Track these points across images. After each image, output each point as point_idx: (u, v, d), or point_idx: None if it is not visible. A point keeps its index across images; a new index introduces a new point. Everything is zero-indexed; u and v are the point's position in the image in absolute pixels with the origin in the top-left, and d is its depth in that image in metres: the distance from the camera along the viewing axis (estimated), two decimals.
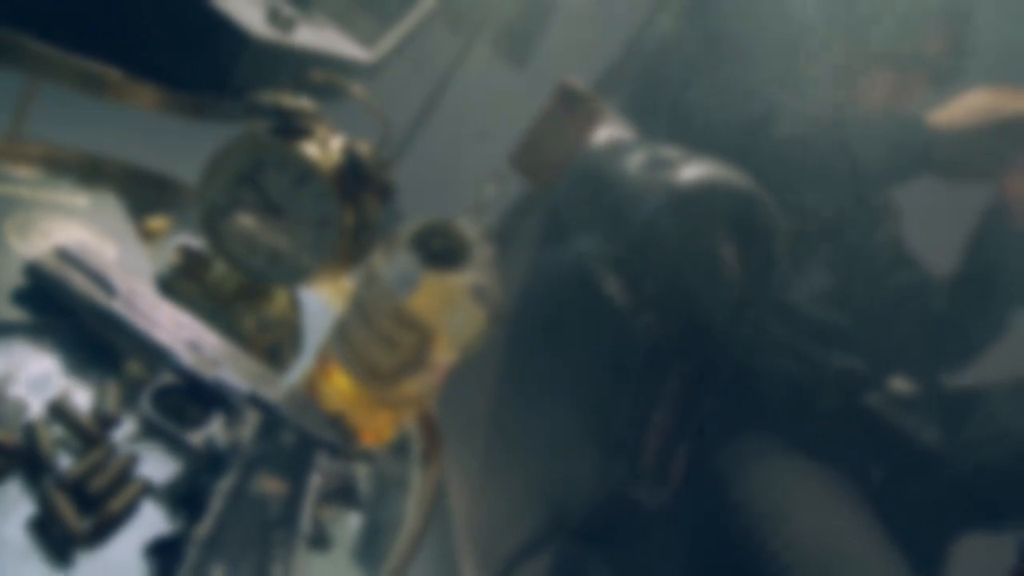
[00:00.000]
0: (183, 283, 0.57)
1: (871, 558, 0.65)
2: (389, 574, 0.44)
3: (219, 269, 0.59)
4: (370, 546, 0.46)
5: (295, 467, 0.41)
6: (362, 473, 0.51)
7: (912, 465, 0.87)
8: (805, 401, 0.83)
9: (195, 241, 0.59)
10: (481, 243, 0.50)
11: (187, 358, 0.43)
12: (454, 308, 0.49)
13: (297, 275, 0.57)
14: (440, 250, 0.49)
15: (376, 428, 0.57)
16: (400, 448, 0.58)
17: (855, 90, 0.98)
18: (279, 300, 0.63)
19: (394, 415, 0.58)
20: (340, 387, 0.55)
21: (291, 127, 0.55)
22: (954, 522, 0.88)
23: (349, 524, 0.47)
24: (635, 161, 0.70)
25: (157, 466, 0.39)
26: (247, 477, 0.38)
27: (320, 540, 0.42)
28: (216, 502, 0.36)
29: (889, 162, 0.87)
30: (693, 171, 0.62)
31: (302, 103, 0.56)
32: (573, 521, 0.67)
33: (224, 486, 0.37)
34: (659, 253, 0.61)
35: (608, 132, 0.79)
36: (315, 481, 0.41)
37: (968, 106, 0.87)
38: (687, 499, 0.70)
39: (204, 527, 0.34)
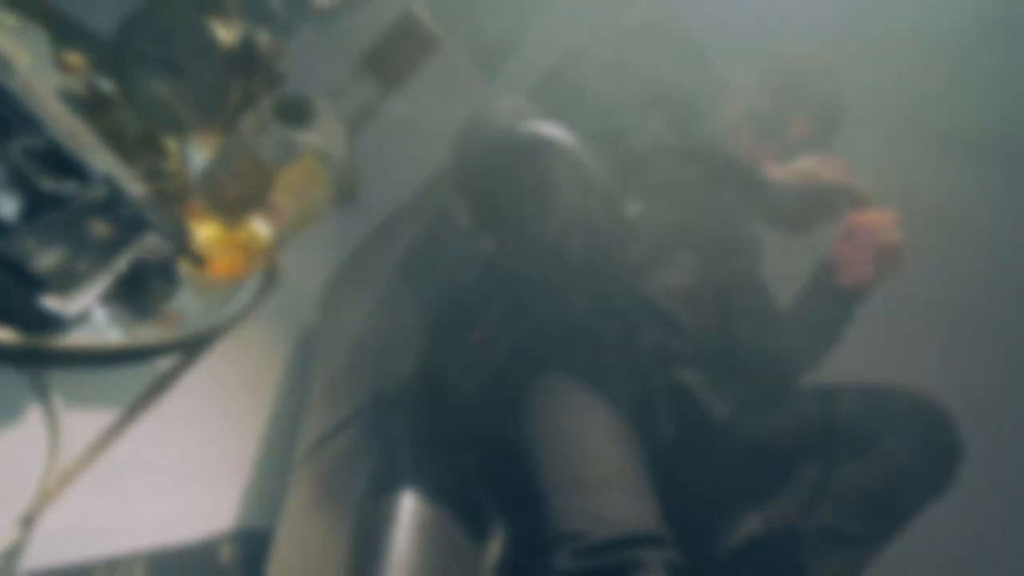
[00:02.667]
0: (83, 116, 0.68)
1: (621, 481, 0.76)
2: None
3: (119, 114, 0.70)
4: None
5: (128, 228, 0.52)
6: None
7: (703, 435, 1.00)
8: (619, 362, 0.95)
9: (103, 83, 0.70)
10: (330, 119, 0.63)
11: (60, 134, 0.53)
12: (295, 159, 0.61)
13: (183, 127, 0.68)
14: (293, 114, 0.61)
15: (224, 262, 0.68)
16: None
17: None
18: (172, 155, 0.74)
19: (242, 258, 0.69)
20: (200, 223, 0.66)
21: (205, 4, 0.67)
22: (729, 492, 1.01)
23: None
24: (502, 112, 0.84)
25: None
26: (81, 217, 0.49)
27: (131, 296, 0.53)
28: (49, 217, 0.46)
29: (727, 196, 1.01)
30: (532, 125, 0.77)
31: None
32: (391, 393, 0.78)
33: (58, 216, 0.47)
34: (490, 183, 0.75)
35: (512, 101, 0.94)
36: (145, 243, 0.52)
37: (798, 168, 0.98)
38: (490, 406, 0.82)
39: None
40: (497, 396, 0.83)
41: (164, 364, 0.79)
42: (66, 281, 0.43)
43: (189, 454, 1.06)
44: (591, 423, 0.81)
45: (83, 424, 0.84)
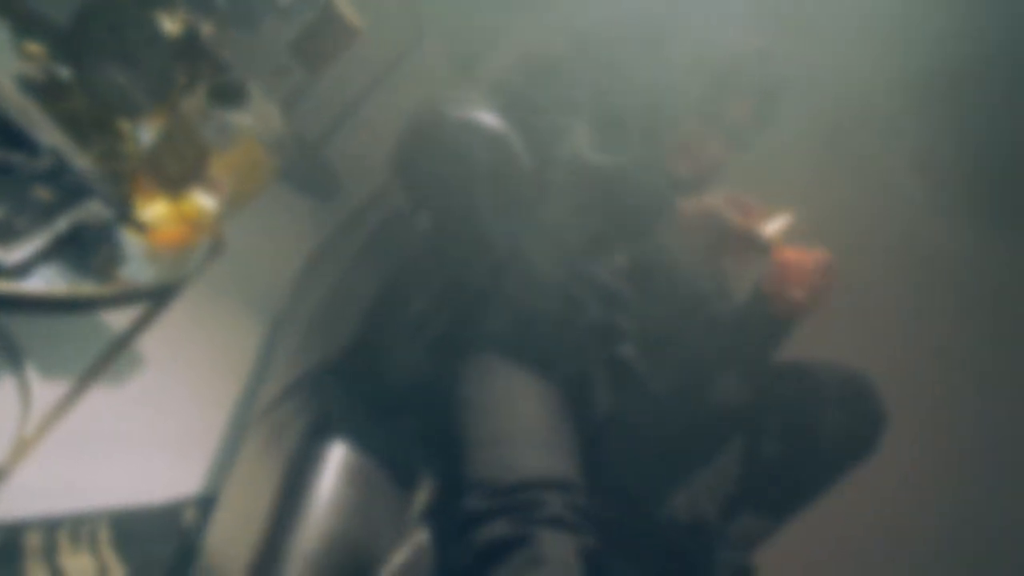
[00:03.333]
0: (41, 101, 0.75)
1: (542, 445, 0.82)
2: None
3: (75, 99, 0.76)
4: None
5: (70, 195, 0.58)
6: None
7: (640, 408, 1.05)
8: (559, 336, 1.01)
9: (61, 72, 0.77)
10: (263, 100, 0.69)
11: (12, 112, 0.60)
12: (230, 137, 0.68)
13: (133, 111, 0.75)
14: (228, 97, 0.68)
15: (170, 232, 0.74)
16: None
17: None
18: (125, 137, 0.81)
19: (187, 228, 0.76)
20: (149, 196, 0.73)
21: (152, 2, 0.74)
22: (663, 461, 1.07)
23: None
24: (446, 100, 0.90)
25: None
26: (26, 183, 0.55)
27: (77, 256, 0.59)
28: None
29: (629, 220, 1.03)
30: (468, 110, 0.83)
31: None
32: (333, 359, 0.84)
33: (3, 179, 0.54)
34: (413, 161, 0.81)
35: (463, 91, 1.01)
36: (87, 209, 0.59)
37: (702, 206, 0.98)
38: (427, 373, 0.88)
39: None
40: (434, 364, 0.89)
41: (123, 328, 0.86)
42: (5, 234, 0.50)
43: (159, 424, 1.12)
44: (516, 387, 0.87)
45: (54, 390, 0.91)
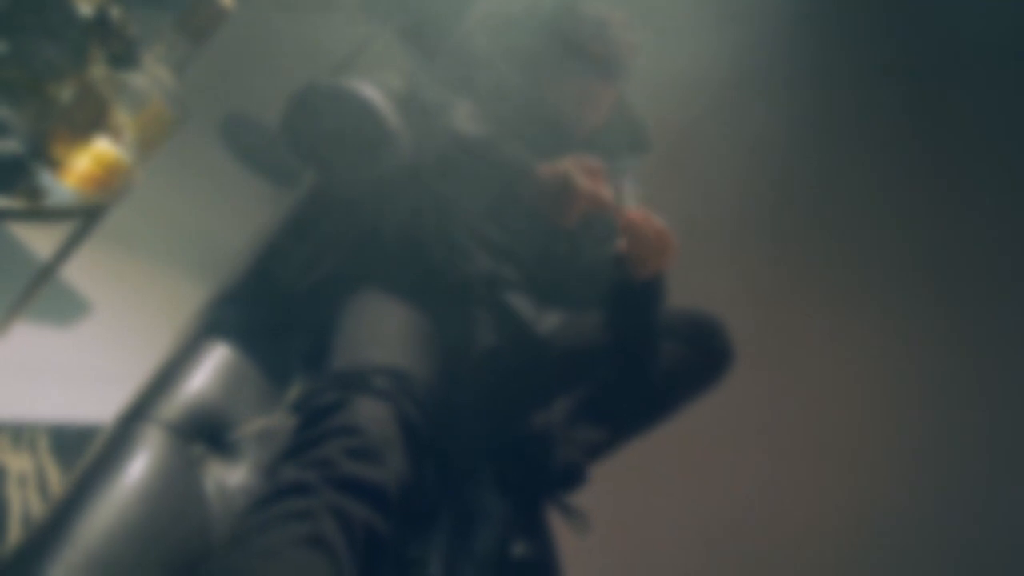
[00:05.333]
0: None
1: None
2: None
3: (11, 69, 0.94)
4: None
5: None
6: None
7: (521, 347, 1.21)
8: (446, 280, 1.18)
9: None
10: (154, 63, 0.86)
11: None
12: (126, 93, 0.85)
13: (56, 78, 0.92)
14: (124, 60, 0.85)
15: (81, 172, 0.92)
16: None
17: (551, 91, 1.36)
18: (52, 100, 0.98)
19: (96, 169, 0.93)
20: (64, 146, 0.90)
21: None
22: (538, 393, 1.21)
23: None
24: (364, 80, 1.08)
25: None
26: None
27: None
28: None
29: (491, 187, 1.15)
30: (344, 82, 1.00)
31: None
32: (228, 286, 1.02)
33: None
34: (304, 125, 0.98)
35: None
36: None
37: (557, 168, 1.09)
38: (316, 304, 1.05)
39: None
40: (323, 297, 1.06)
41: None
42: None
43: (101, 355, 1.30)
44: (389, 309, 1.03)
45: None
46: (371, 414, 0.79)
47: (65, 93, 0.97)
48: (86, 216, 0.86)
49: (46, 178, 0.83)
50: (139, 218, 1.59)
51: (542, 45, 1.35)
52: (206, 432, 0.78)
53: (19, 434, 1.11)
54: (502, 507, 0.99)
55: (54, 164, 0.81)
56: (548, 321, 1.28)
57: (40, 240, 1.25)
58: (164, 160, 1.16)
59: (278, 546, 0.67)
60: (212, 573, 0.66)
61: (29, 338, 1.18)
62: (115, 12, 0.94)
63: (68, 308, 1.33)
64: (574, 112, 1.35)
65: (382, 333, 0.97)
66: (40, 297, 1.22)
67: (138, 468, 0.68)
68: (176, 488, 0.70)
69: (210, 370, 0.83)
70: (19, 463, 1.09)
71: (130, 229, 1.55)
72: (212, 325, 0.89)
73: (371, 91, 1.02)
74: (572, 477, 1.09)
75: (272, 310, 1.00)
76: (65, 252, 0.95)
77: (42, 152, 0.79)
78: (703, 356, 1.17)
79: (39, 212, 0.79)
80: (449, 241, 1.20)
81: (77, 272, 1.39)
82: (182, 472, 0.71)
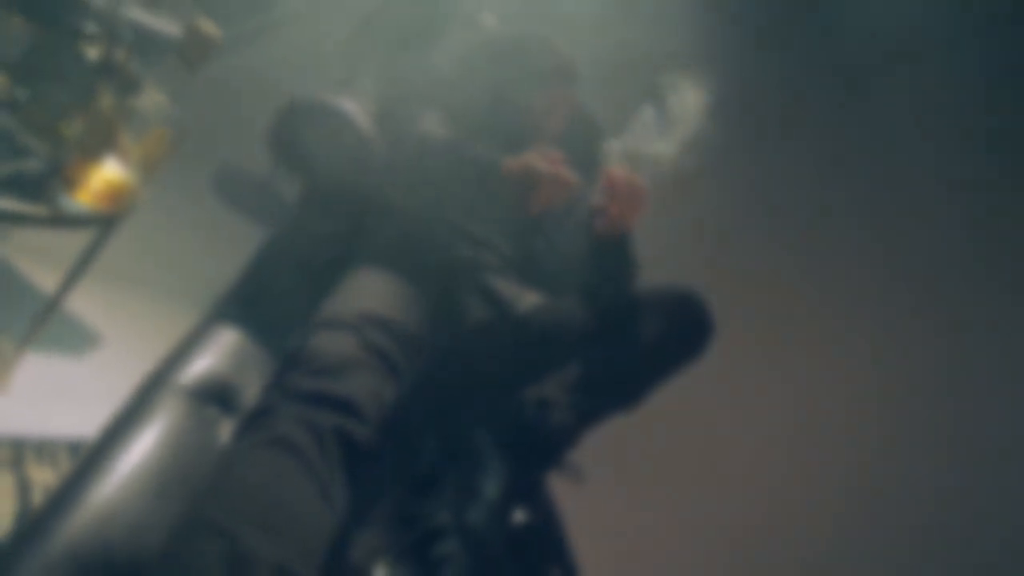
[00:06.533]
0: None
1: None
2: None
3: (32, 111, 1.07)
4: None
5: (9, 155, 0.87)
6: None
7: (503, 325, 1.30)
8: (433, 263, 1.26)
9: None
10: (154, 90, 0.99)
11: None
12: (133, 116, 0.98)
13: (69, 116, 1.05)
14: (128, 87, 0.98)
15: (92, 190, 1.03)
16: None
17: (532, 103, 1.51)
18: (68, 132, 1.11)
19: (106, 188, 1.04)
20: (82, 168, 1.02)
21: (79, 32, 1.06)
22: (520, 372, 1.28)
23: None
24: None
25: None
26: None
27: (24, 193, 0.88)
28: None
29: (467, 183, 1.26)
30: (323, 96, 1.14)
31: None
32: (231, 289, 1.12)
33: None
34: (287, 136, 1.11)
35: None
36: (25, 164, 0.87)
37: (522, 159, 1.17)
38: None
39: None
40: (322, 281, 1.16)
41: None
42: None
43: (111, 378, 1.38)
44: (371, 279, 1.11)
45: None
46: (329, 342, 0.84)
47: (77, 125, 1.10)
48: (101, 224, 0.97)
49: (63, 197, 0.94)
50: (138, 258, 1.70)
51: (503, 74, 1.50)
52: (218, 397, 0.86)
53: (41, 450, 1.19)
54: (504, 466, 1.04)
55: (71, 184, 0.93)
56: (529, 300, 1.37)
57: (47, 276, 1.35)
58: (161, 207, 1.29)
59: (243, 452, 0.69)
60: (197, 499, 0.68)
61: (47, 365, 1.27)
62: (119, 54, 1.08)
63: (79, 338, 1.42)
64: (541, 121, 1.49)
65: (356, 291, 1.03)
66: (55, 329, 1.31)
67: (160, 425, 0.76)
68: (192, 442, 0.77)
69: (220, 348, 0.92)
70: (42, 476, 1.16)
71: (130, 268, 1.66)
72: (220, 314, 0.99)
73: (348, 103, 1.15)
74: (565, 438, 1.14)
75: (272, 299, 1.09)
76: (85, 261, 1.06)
77: (60, 174, 0.91)
78: (683, 328, 1.22)
79: (60, 219, 0.90)
80: (431, 235, 1.29)
81: (86, 307, 1.49)
82: (198, 429, 0.79)
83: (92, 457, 0.70)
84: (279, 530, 0.66)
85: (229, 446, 0.72)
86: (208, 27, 0.97)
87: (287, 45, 1.80)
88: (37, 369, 1.26)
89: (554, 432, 1.14)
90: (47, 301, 1.21)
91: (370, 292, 1.06)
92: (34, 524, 0.61)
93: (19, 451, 1.16)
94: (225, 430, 0.83)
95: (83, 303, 1.44)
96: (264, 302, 1.11)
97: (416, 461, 1.03)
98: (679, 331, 1.23)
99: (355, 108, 1.16)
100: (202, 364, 0.87)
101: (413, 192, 1.30)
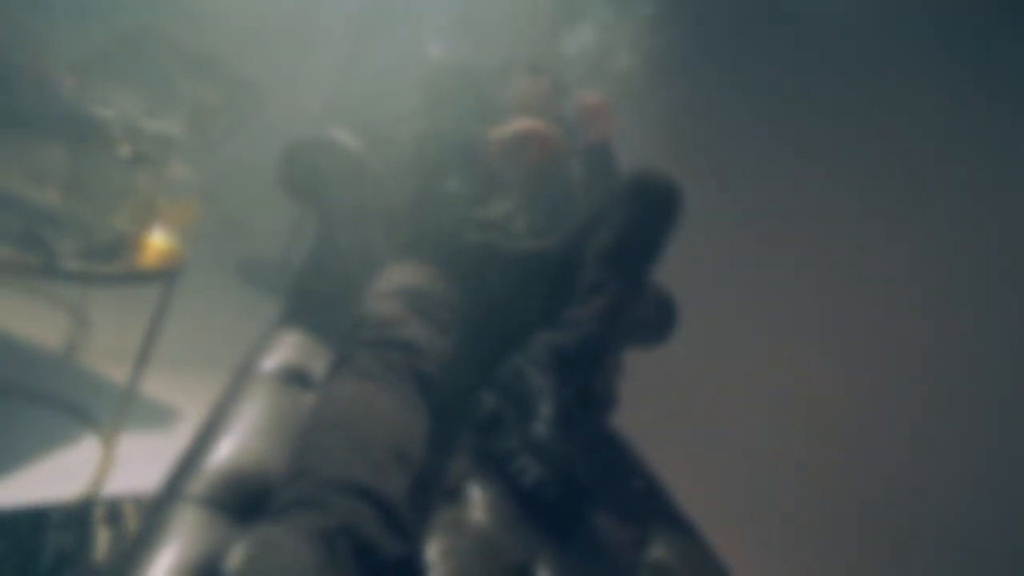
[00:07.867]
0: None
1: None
2: None
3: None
4: None
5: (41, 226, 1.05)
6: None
7: (520, 263, 1.37)
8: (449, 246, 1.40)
9: None
10: (178, 163, 1.18)
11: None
12: (166, 186, 1.16)
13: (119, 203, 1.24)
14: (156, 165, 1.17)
15: (139, 255, 1.20)
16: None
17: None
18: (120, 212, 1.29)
19: (154, 250, 1.22)
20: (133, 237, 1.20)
21: (107, 137, 1.26)
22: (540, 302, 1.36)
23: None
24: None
25: None
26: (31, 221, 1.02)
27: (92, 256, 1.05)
28: None
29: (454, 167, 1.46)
30: (322, 131, 1.32)
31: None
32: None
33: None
34: (288, 170, 1.29)
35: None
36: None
37: (506, 126, 1.39)
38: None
39: None
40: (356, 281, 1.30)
41: None
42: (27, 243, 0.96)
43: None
44: (407, 266, 1.24)
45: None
46: (382, 307, 1.01)
47: (126, 208, 1.29)
48: (164, 279, 1.14)
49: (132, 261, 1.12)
50: (190, 345, 1.88)
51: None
52: (296, 378, 0.99)
53: (139, 504, 1.31)
54: (552, 386, 1.11)
55: (133, 252, 1.11)
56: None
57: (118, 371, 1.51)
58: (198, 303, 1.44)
59: (333, 383, 0.84)
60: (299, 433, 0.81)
61: (140, 441, 1.41)
62: (142, 143, 1.28)
63: (160, 417, 1.57)
64: (515, 112, 1.67)
65: (392, 275, 1.16)
66: (140, 412, 1.47)
67: (260, 396, 0.89)
68: (286, 402, 0.90)
69: (287, 344, 1.06)
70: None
71: (185, 354, 1.82)
72: (282, 320, 1.16)
73: (340, 135, 1.33)
74: (597, 345, 1.17)
75: (320, 304, 1.25)
76: (161, 310, 1.23)
77: (125, 243, 1.09)
78: (648, 206, 1.22)
79: (134, 276, 1.07)
80: (444, 226, 1.42)
81: (161, 391, 1.64)
82: (288, 397, 0.92)
83: (212, 421, 0.84)
84: (366, 441, 0.77)
85: (320, 385, 0.86)
86: (208, 99, 1.17)
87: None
88: (132, 444, 1.41)
89: (586, 341, 1.17)
90: (127, 385, 1.37)
91: (404, 273, 1.21)
92: (181, 462, 0.74)
93: (117, 508, 1.28)
94: (308, 400, 0.96)
95: (154, 385, 1.61)
96: (314, 307, 1.26)
97: (478, 412, 1.13)
98: (646, 211, 1.21)
99: (347, 137, 1.34)
100: (277, 356, 1.02)
101: (420, 196, 1.46)
